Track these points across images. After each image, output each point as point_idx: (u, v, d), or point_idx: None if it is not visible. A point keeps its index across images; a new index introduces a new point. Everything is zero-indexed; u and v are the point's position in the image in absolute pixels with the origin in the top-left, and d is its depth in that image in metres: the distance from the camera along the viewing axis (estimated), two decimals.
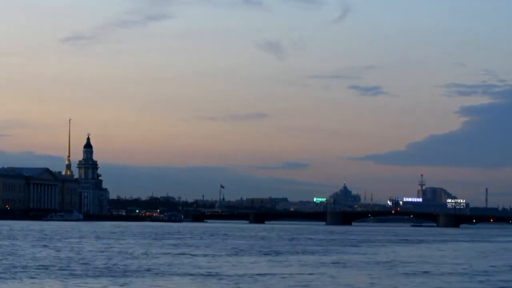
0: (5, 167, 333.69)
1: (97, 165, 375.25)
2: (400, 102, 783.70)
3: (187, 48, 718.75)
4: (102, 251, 79.32)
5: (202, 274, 53.23)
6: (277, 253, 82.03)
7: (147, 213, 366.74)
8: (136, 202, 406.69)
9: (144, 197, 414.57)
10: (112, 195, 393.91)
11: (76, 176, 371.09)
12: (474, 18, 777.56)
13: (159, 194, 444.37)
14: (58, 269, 55.66)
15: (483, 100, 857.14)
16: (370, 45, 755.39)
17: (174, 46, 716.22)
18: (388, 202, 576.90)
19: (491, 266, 67.78)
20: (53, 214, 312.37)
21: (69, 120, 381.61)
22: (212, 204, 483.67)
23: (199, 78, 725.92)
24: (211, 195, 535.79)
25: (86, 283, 46.70)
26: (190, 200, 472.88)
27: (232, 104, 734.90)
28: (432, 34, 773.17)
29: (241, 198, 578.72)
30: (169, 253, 78.07)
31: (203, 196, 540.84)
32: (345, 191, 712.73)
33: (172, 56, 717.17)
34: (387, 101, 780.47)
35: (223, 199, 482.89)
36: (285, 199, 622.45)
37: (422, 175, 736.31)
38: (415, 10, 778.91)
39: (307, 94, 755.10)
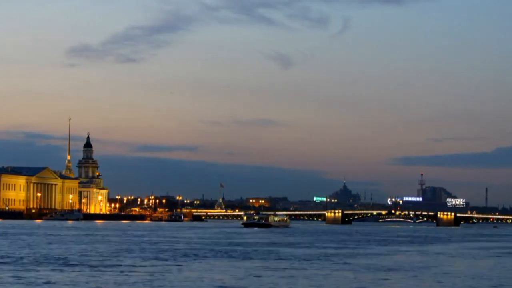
0: (5, 166, 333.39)
1: (97, 164, 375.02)
2: None
3: (202, 59, 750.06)
4: None
5: None
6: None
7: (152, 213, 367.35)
8: (136, 202, 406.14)
9: (144, 196, 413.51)
10: (112, 194, 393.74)
11: (76, 175, 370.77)
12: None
13: (159, 193, 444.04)
14: None
15: None
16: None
17: (193, 58, 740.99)
18: (388, 201, 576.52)
19: None
20: (53, 213, 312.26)
21: (69, 119, 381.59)
22: (212, 204, 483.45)
23: (209, 85, 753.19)
24: (211, 195, 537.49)
25: None
26: (190, 199, 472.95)
27: (238, 109, 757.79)
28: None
29: (241, 197, 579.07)
30: None
31: (203, 195, 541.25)
32: (345, 190, 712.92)
33: (191, 66, 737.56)
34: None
35: (223, 198, 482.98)
36: (285, 199, 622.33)
37: (422, 174, 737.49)
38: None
39: (313, 100, 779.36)
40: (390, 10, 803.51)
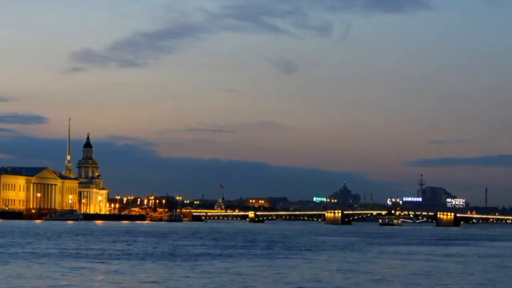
0: (5, 166, 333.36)
1: (97, 164, 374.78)
2: None
3: (206, 64, 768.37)
4: None
5: None
6: None
7: (152, 213, 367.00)
8: (136, 202, 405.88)
9: (144, 196, 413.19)
10: (112, 194, 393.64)
11: (76, 175, 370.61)
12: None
13: (159, 193, 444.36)
14: None
15: None
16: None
17: (197, 63, 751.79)
18: (388, 201, 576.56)
19: None
20: (53, 213, 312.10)
21: (69, 120, 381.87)
22: (212, 204, 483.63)
23: (213, 88, 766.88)
24: (211, 195, 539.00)
25: None
26: (190, 199, 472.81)
27: (242, 112, 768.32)
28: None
29: (241, 197, 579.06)
30: None
31: (202, 195, 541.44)
32: (345, 190, 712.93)
33: (195, 71, 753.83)
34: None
35: (223, 198, 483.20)
36: (285, 199, 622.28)
37: (422, 174, 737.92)
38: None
39: (315, 104, 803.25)
40: (391, 18, 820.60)
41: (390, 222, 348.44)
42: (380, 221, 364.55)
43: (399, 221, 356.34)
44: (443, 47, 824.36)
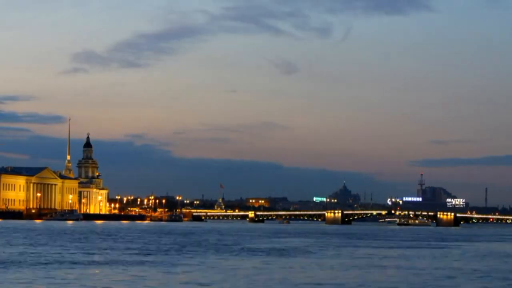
0: (5, 166, 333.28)
1: (97, 164, 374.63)
2: None
3: (207, 65, 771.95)
4: None
5: None
6: None
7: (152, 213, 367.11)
8: (136, 202, 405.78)
9: (144, 196, 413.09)
10: (112, 194, 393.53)
11: (76, 175, 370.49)
12: None
13: (159, 193, 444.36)
14: None
15: None
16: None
17: (199, 64, 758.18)
18: (388, 201, 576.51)
19: None
20: (53, 213, 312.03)
21: (69, 119, 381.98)
22: (212, 204, 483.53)
23: (214, 90, 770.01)
24: (211, 195, 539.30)
25: None
26: (190, 199, 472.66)
27: (244, 113, 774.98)
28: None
29: (241, 197, 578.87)
30: None
31: (202, 195, 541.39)
32: (345, 190, 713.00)
33: (196, 72, 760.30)
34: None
35: (223, 198, 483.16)
36: (285, 199, 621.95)
37: (422, 174, 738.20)
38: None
39: (315, 104, 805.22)
40: (392, 19, 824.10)
41: (406, 222, 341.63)
42: (398, 220, 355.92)
43: (420, 221, 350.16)
44: (444, 48, 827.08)
